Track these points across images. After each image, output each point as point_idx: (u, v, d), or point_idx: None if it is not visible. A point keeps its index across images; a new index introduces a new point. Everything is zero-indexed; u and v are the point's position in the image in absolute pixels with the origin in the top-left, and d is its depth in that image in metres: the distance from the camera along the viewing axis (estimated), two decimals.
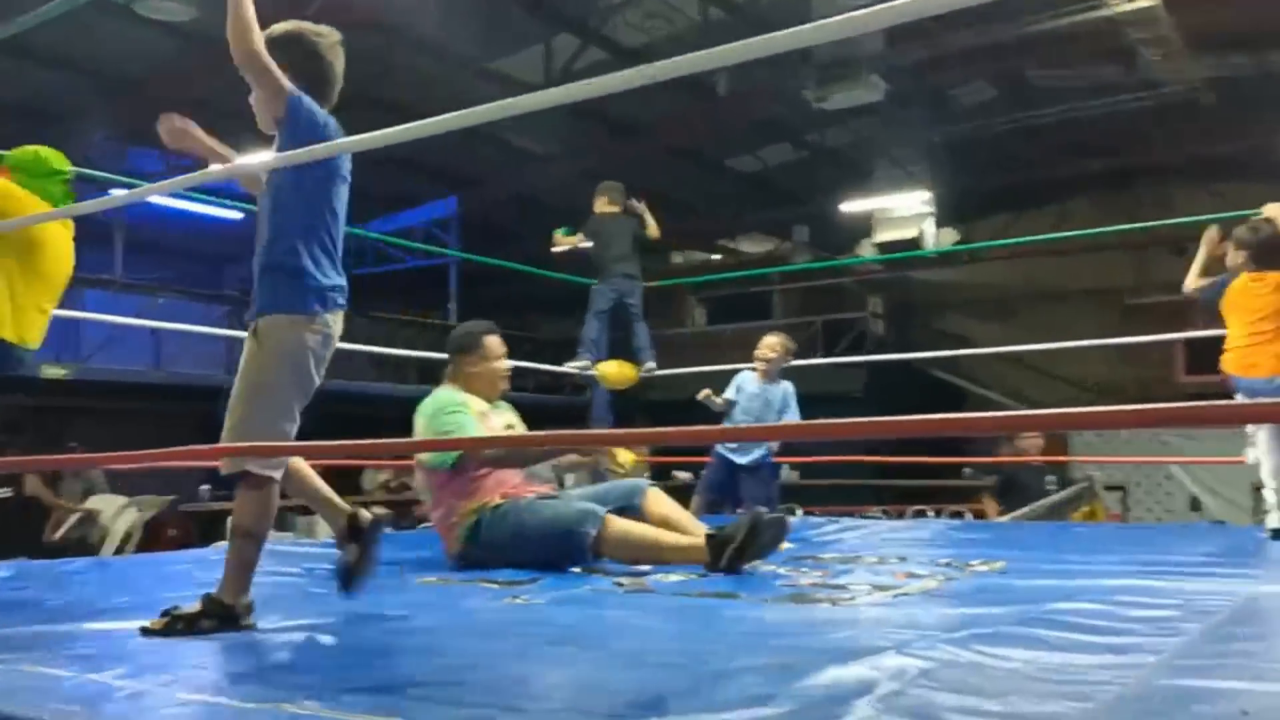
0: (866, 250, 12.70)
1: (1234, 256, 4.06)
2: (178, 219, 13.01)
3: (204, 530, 8.63)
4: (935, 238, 11.66)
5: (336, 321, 2.27)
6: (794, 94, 9.37)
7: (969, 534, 4.66)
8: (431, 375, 13.45)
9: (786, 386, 5.04)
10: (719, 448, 4.80)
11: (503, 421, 3.62)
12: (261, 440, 2.13)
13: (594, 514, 3.19)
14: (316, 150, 2.16)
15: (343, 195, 2.35)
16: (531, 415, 3.84)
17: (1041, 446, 7.13)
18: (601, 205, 6.30)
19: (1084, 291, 15.59)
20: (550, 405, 12.67)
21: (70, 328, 11.45)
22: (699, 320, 17.99)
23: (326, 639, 2.04)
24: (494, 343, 3.63)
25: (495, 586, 2.81)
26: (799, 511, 4.75)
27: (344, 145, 2.23)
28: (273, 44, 2.23)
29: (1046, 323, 12.67)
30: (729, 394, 4.94)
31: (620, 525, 3.20)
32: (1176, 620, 1.99)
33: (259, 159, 2.65)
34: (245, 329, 2.29)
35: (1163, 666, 1.62)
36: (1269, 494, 3.89)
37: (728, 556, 3.01)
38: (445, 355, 3.70)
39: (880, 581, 2.80)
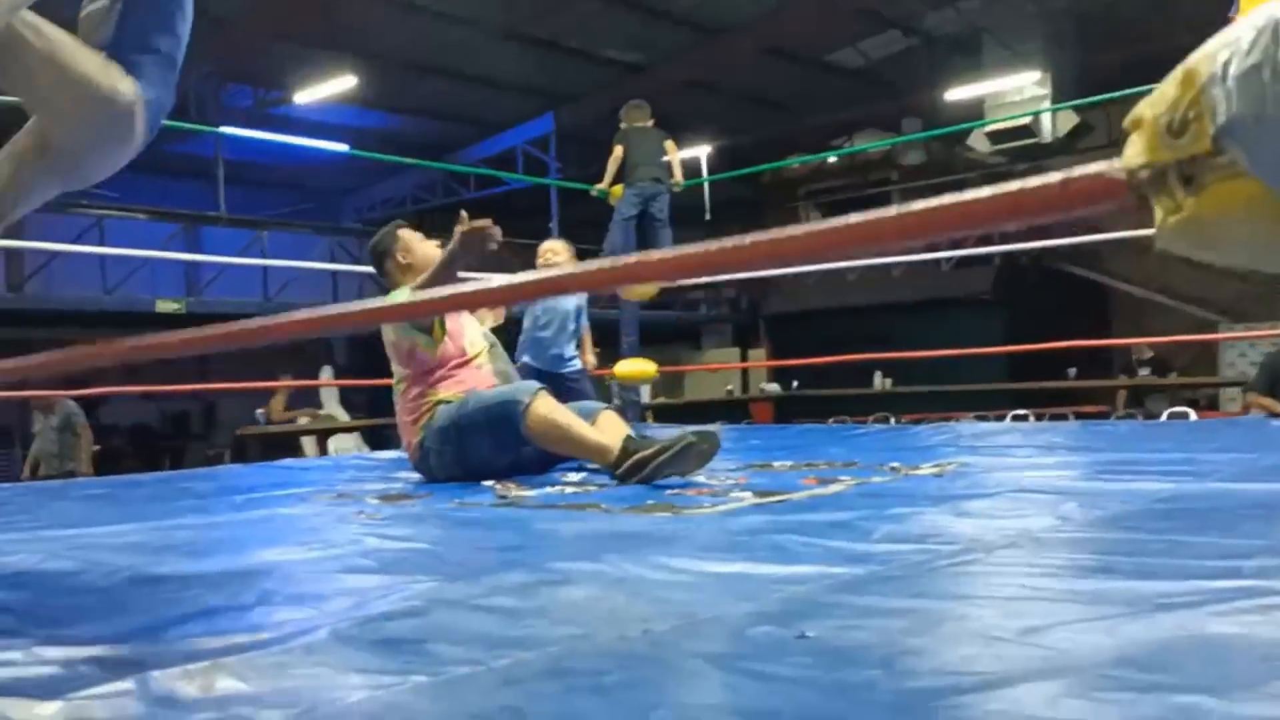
0: (979, 140, 11.81)
1: None
2: (287, 154, 13.38)
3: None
4: (1052, 121, 10.70)
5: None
6: None
7: (1004, 437, 4.21)
8: None
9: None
10: (531, 361, 4.64)
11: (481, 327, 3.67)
12: None
13: (531, 388, 3.16)
14: None
15: None
16: None
17: None
18: (630, 120, 6.15)
19: None
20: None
21: (187, 264, 12.02)
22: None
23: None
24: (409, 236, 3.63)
25: (374, 502, 2.69)
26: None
27: None
28: None
29: None
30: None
31: (549, 405, 3.10)
32: (971, 541, 1.67)
33: None
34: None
35: (843, 585, 1.33)
36: None
37: (627, 467, 2.80)
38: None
39: (771, 488, 2.52)
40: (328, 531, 2.16)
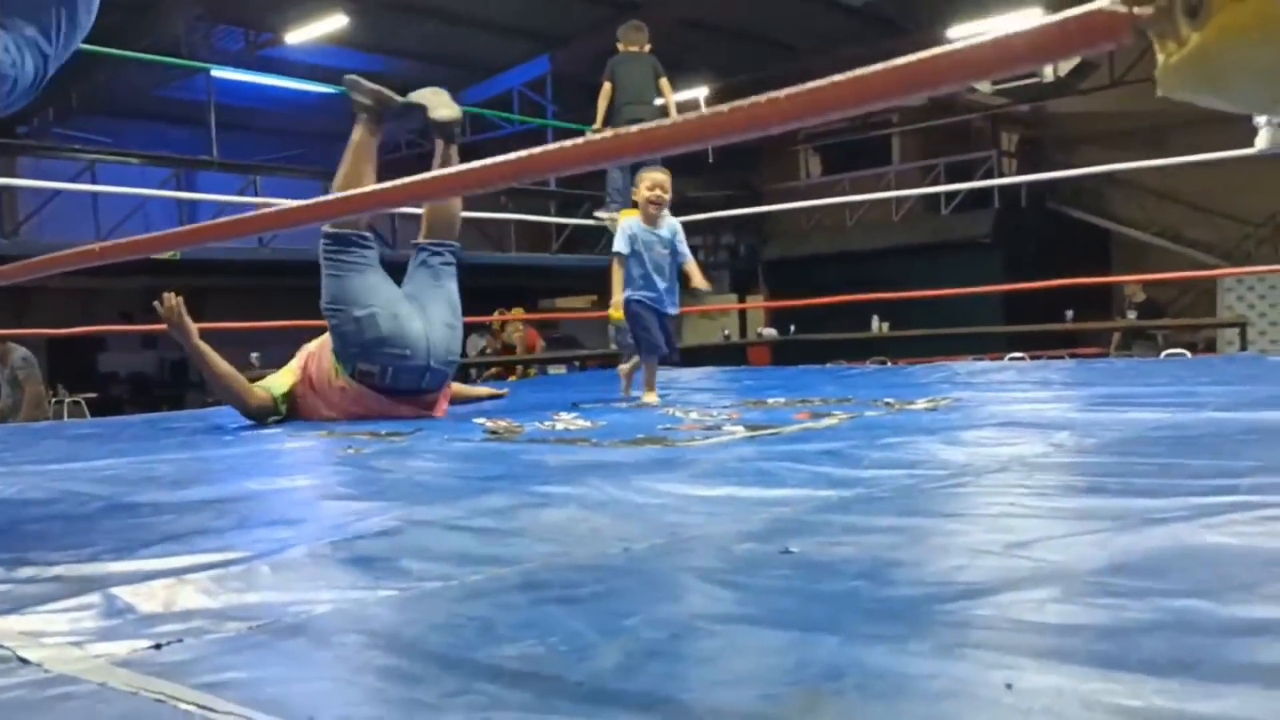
0: (982, 85, 11.62)
1: None
2: (279, 98, 13.19)
3: None
4: (1055, 64, 10.51)
5: None
6: None
7: (1000, 374, 4.17)
8: (533, 244, 13.10)
9: (674, 224, 3.76)
10: (645, 300, 3.70)
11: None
12: None
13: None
14: None
15: None
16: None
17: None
18: (626, 42, 5.89)
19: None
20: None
21: (184, 208, 11.92)
22: (814, 171, 17.16)
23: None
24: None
25: (364, 437, 2.66)
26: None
27: None
28: None
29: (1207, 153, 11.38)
30: (621, 246, 3.62)
31: None
32: (961, 467, 1.64)
33: None
34: None
35: (830, 506, 1.31)
36: None
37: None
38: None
39: (763, 421, 2.49)
40: (313, 465, 2.13)
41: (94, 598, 0.94)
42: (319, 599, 0.91)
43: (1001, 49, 0.63)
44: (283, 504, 1.53)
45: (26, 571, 1.08)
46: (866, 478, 1.52)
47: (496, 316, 9.95)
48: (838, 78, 0.69)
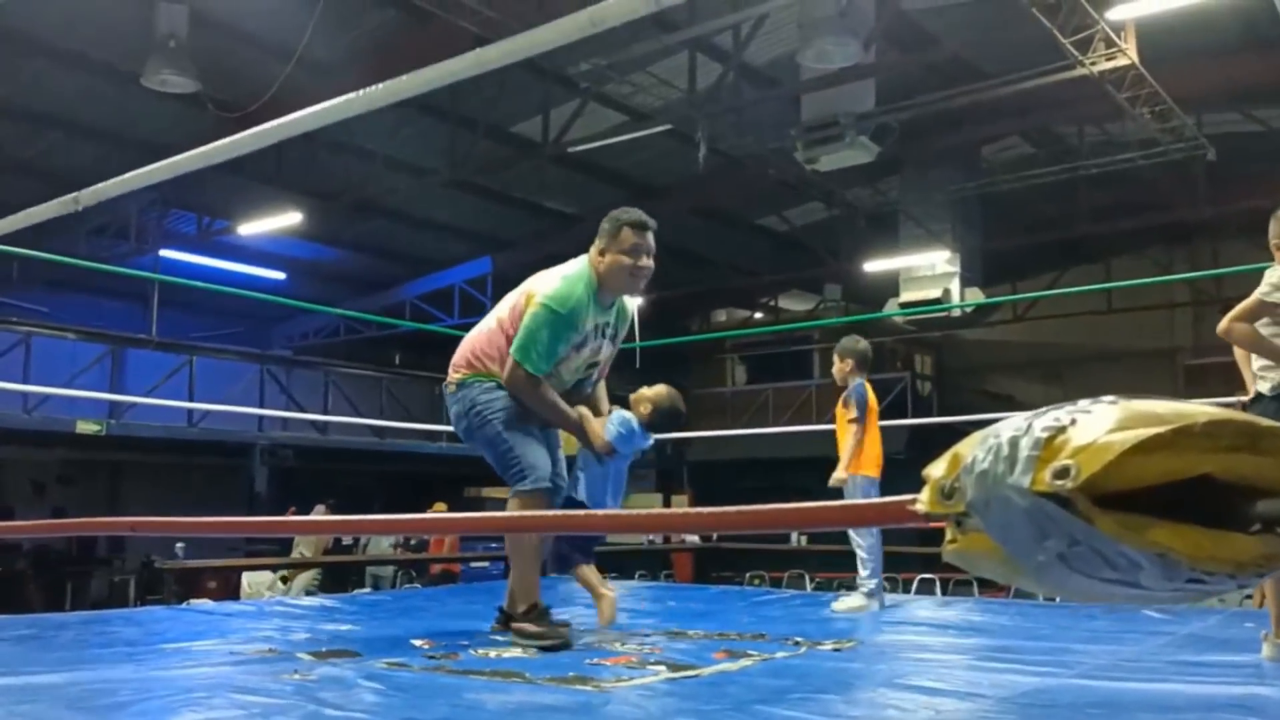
0: (894, 310, 12.50)
1: None
2: (223, 278, 13.51)
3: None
4: (960, 297, 11.44)
5: None
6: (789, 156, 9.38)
7: (907, 610, 4.47)
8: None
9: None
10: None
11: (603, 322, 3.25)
12: None
13: (538, 475, 3.11)
14: None
15: None
16: None
17: None
18: None
19: (1138, 352, 15.10)
20: None
21: (106, 388, 11.93)
22: (739, 379, 17.90)
23: None
24: (629, 235, 3.18)
25: (307, 659, 2.81)
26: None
27: None
28: None
29: (1099, 385, 12.21)
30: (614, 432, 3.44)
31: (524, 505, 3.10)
32: None
33: None
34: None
35: None
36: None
37: (504, 621, 3.23)
38: None
39: (686, 661, 2.72)
40: (264, 694, 2.29)
41: None
42: None
43: (833, 514, 0.94)
44: None
45: None
46: None
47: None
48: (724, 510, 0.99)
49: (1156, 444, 0.73)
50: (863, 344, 4.52)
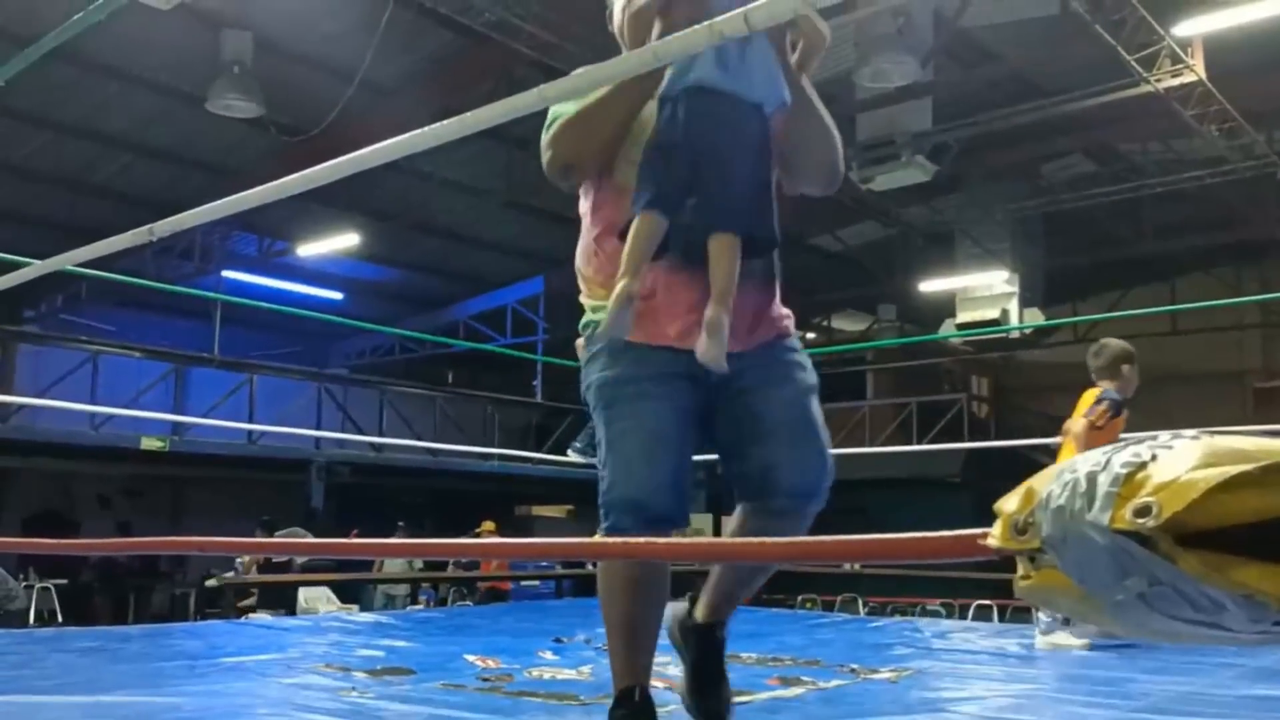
0: (950, 331, 12.34)
1: None
2: (282, 300, 13.77)
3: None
4: (1020, 318, 11.25)
5: None
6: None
7: (962, 637, 4.38)
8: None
9: None
10: None
11: None
12: None
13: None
14: None
15: None
16: None
17: None
18: None
19: (1205, 374, 14.71)
20: None
21: (170, 404, 12.20)
22: None
23: None
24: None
25: (358, 675, 2.83)
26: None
27: None
28: None
29: (1164, 408, 11.95)
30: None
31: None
32: None
33: None
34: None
35: None
36: None
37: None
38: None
39: (739, 687, 2.69)
40: (323, 713, 2.31)
41: None
42: None
43: (900, 546, 0.92)
44: None
45: None
46: None
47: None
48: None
49: (1243, 481, 0.70)
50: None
